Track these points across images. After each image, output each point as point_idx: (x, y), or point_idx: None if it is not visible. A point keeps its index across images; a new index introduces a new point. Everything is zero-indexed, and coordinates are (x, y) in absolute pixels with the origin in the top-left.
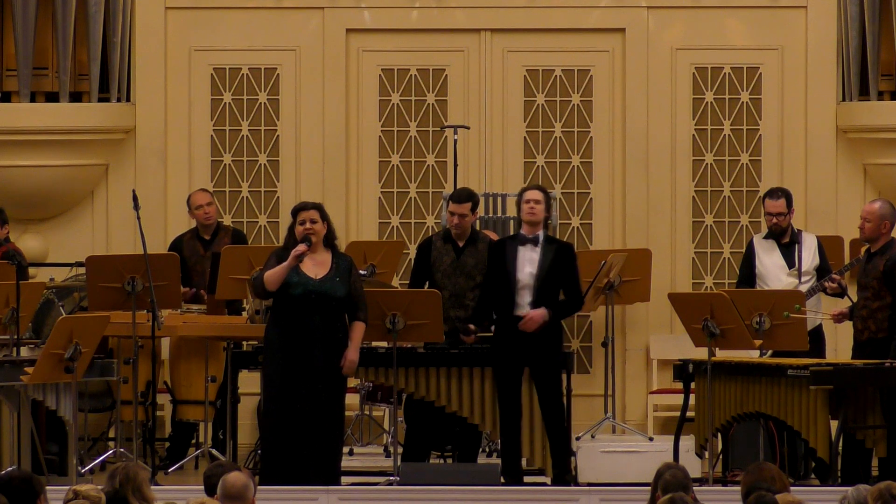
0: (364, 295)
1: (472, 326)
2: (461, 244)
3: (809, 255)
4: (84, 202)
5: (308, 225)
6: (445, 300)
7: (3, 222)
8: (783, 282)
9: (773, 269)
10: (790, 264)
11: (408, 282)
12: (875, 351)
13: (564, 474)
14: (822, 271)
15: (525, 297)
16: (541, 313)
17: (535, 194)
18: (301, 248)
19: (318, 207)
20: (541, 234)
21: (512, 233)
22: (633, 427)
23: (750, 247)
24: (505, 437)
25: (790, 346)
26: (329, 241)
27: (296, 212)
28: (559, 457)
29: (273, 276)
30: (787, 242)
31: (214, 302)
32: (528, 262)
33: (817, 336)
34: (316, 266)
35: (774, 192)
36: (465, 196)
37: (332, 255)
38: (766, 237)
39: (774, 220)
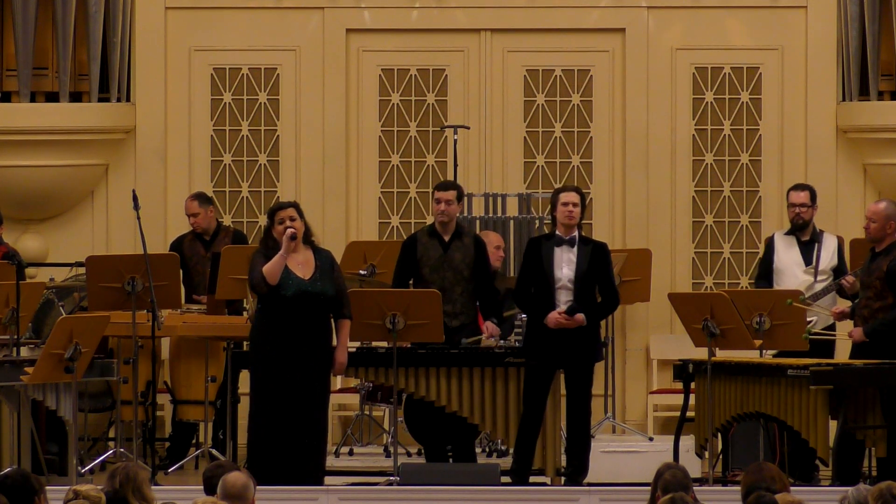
0: (346, 289)
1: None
2: (447, 238)
3: (828, 255)
4: (84, 202)
5: (288, 223)
6: None
7: None
8: (798, 278)
9: (789, 265)
10: (807, 261)
11: (391, 282)
12: (875, 351)
13: (578, 475)
14: (838, 273)
15: (564, 297)
16: (581, 319)
17: (573, 196)
18: (290, 231)
19: (295, 206)
20: (576, 234)
21: (510, 231)
22: (633, 427)
23: (770, 242)
24: (522, 438)
25: (790, 346)
26: (308, 239)
27: (272, 213)
28: (576, 458)
29: (272, 267)
30: (808, 240)
31: (214, 302)
32: (565, 263)
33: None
34: (302, 266)
35: (800, 185)
36: (450, 184)
37: (313, 253)
38: (787, 233)
39: (797, 211)
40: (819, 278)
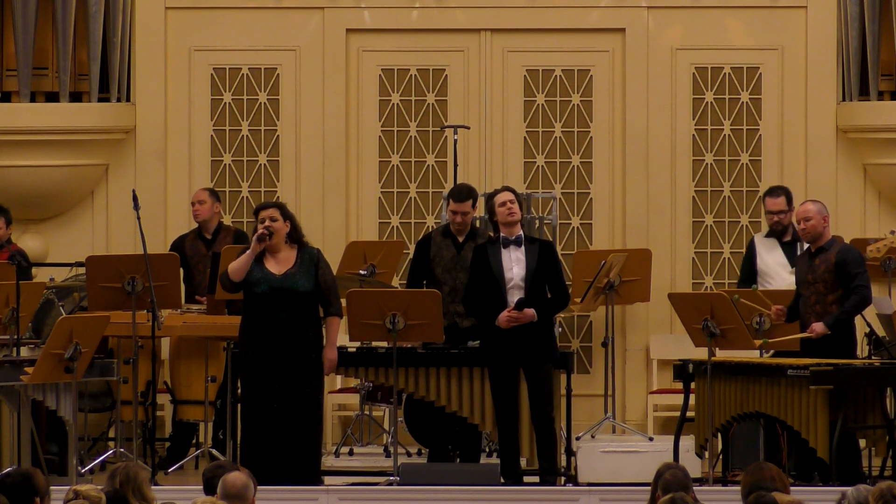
0: (335, 286)
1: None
2: (461, 239)
3: None
4: (84, 202)
5: (267, 223)
6: (445, 295)
7: (8, 222)
8: (786, 280)
9: (774, 268)
10: (792, 262)
11: (406, 281)
12: (832, 346)
13: (549, 474)
14: None
15: (516, 297)
16: (531, 314)
17: (509, 195)
18: (260, 231)
19: (279, 206)
20: (521, 234)
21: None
22: (633, 427)
23: (751, 245)
24: (503, 438)
25: (786, 347)
26: (295, 239)
27: (256, 211)
28: (546, 455)
29: (236, 265)
30: (789, 241)
31: (214, 302)
32: (515, 263)
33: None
34: (279, 263)
35: (774, 191)
36: (465, 193)
37: (297, 251)
38: (767, 236)
39: (776, 219)
40: None
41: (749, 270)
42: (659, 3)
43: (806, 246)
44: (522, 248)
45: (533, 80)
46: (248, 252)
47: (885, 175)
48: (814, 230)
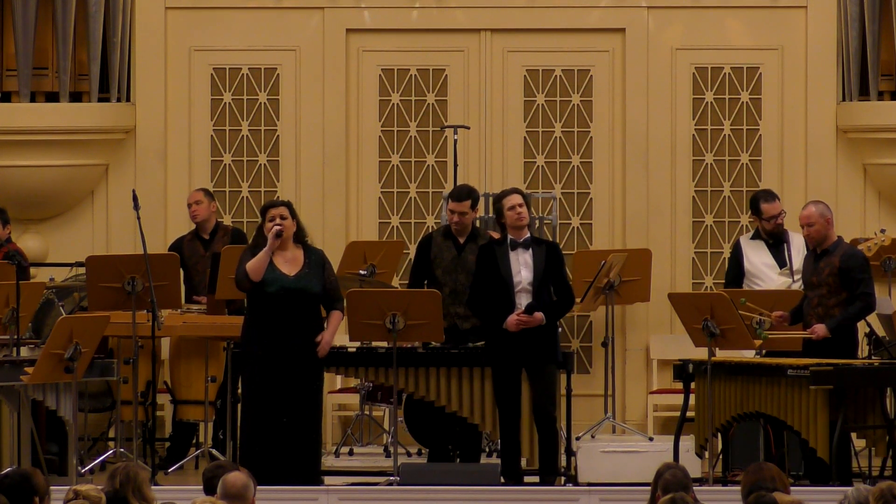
0: (338, 286)
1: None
2: (462, 241)
3: (798, 254)
4: (84, 202)
5: (278, 221)
6: (445, 296)
7: (5, 222)
8: (775, 281)
9: (763, 269)
10: (780, 263)
11: (408, 281)
12: (833, 348)
13: (549, 474)
14: None
15: (524, 300)
16: (541, 318)
17: (518, 199)
18: (276, 228)
19: (288, 205)
20: (528, 236)
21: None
22: (633, 427)
23: (737, 247)
24: (504, 438)
25: (785, 347)
26: (300, 238)
27: (265, 209)
28: (547, 457)
29: (255, 263)
30: (776, 242)
31: (214, 302)
32: (523, 266)
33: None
34: (288, 263)
35: (769, 196)
36: (464, 194)
37: (303, 252)
38: (752, 238)
39: (779, 222)
40: (795, 278)
41: (735, 273)
42: (659, 3)
43: (791, 243)
44: (530, 250)
45: (533, 80)
46: (265, 250)
47: (885, 175)
48: (818, 234)
